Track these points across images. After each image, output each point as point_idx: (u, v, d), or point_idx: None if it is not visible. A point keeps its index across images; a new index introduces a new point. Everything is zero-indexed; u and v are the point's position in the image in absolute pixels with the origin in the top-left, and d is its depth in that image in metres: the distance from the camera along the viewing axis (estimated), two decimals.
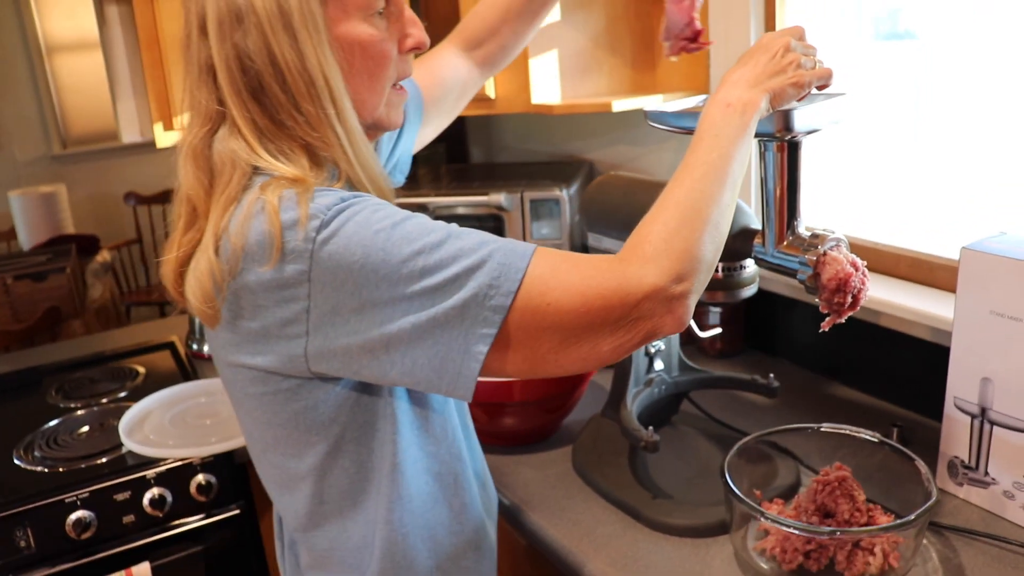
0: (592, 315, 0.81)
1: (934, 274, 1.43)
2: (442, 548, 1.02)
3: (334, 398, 0.91)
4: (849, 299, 1.00)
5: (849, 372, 1.60)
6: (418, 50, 0.98)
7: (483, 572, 1.07)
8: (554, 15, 1.75)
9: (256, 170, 0.88)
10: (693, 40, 1.12)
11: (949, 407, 1.21)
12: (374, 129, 0.99)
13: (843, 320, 1.03)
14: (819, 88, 0.95)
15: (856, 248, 1.54)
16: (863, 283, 1.00)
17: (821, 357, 1.66)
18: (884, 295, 1.43)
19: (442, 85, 1.27)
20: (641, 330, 0.82)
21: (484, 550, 1.07)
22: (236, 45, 0.86)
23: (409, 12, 0.97)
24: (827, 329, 1.04)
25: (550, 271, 0.82)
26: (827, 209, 1.70)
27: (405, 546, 0.98)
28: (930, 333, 1.38)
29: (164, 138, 1.82)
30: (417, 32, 0.97)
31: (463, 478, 1.03)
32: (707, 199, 0.84)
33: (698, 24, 1.11)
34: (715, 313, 1.28)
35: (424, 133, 1.28)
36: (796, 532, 1.04)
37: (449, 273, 0.81)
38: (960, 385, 1.19)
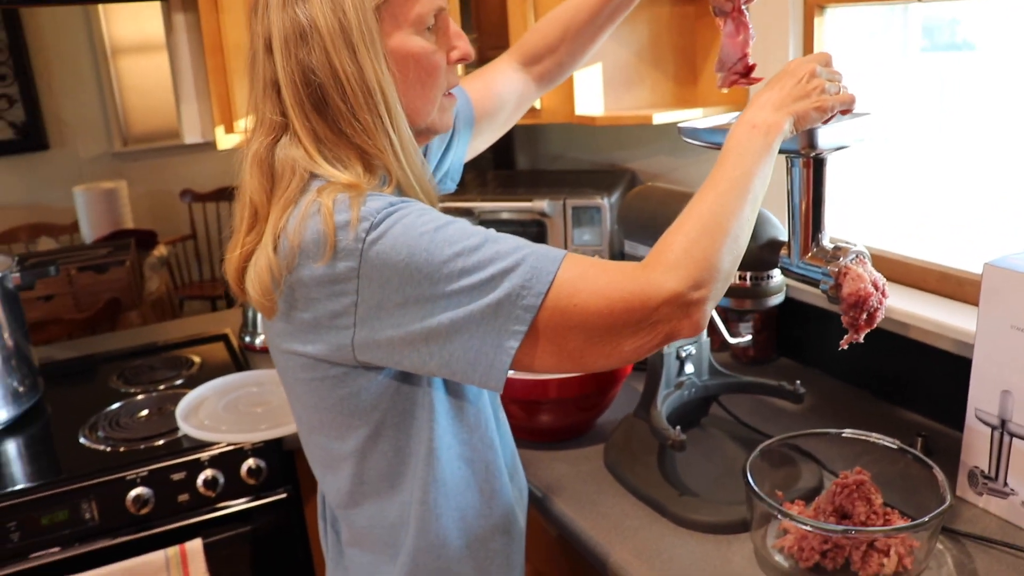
0: (615, 317, 0.87)
1: (962, 288, 1.47)
2: (472, 530, 1.09)
3: (376, 386, 0.99)
4: (865, 316, 1.05)
5: (878, 382, 1.64)
6: (463, 61, 1.05)
7: (511, 555, 1.14)
8: None
9: (313, 176, 0.96)
10: (745, 75, 1.16)
11: (970, 418, 1.25)
12: (426, 133, 1.06)
13: (860, 338, 1.08)
14: (843, 113, 1.01)
15: (886, 261, 1.58)
16: (880, 303, 1.05)
17: (851, 367, 1.69)
18: (912, 308, 1.47)
19: (497, 98, 1.34)
20: (660, 332, 0.88)
21: (513, 535, 1.14)
22: (300, 61, 0.94)
23: (455, 27, 1.04)
24: (846, 347, 1.09)
25: (578, 275, 0.89)
26: (864, 220, 1.74)
27: (438, 526, 1.05)
28: (955, 346, 1.42)
29: (225, 140, 1.92)
30: (463, 45, 1.04)
31: (494, 466, 1.10)
32: (728, 213, 0.90)
33: (751, 60, 1.15)
34: (747, 326, 1.33)
35: (477, 143, 1.35)
36: (810, 529, 1.09)
37: (485, 274, 0.88)
38: (981, 397, 1.23)
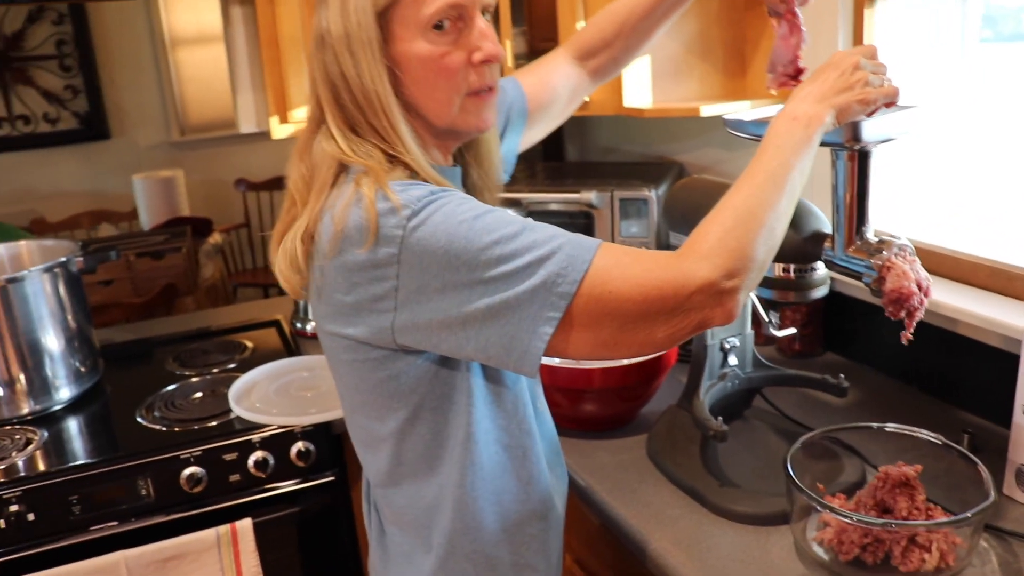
0: (649, 304, 0.89)
1: (1012, 284, 1.45)
2: (509, 514, 1.11)
3: (416, 370, 1.01)
4: (904, 314, 1.05)
5: (926, 378, 1.62)
6: (489, 62, 1.02)
7: (548, 541, 1.16)
8: None
9: (343, 167, 1.00)
10: (795, 77, 1.17)
11: (1018, 415, 1.24)
12: (452, 135, 1.07)
13: (909, 334, 1.08)
14: (887, 106, 1.00)
15: (935, 256, 1.56)
16: (921, 303, 1.05)
17: (898, 363, 1.68)
18: (961, 303, 1.45)
19: (552, 90, 1.35)
20: (693, 320, 0.90)
21: (550, 521, 1.16)
22: (323, 62, 1.00)
23: (482, 26, 1.01)
24: (907, 342, 1.09)
25: (613, 263, 0.90)
26: (915, 213, 1.72)
27: (475, 509, 1.08)
28: (1004, 342, 1.40)
29: (279, 130, 1.96)
30: (488, 46, 1.01)
31: (532, 452, 1.12)
32: (764, 204, 0.91)
33: (801, 63, 1.16)
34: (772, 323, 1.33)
35: (531, 134, 1.36)
36: (850, 521, 1.09)
37: (522, 261, 0.90)
38: None
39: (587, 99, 1.88)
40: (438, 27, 0.98)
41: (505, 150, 1.31)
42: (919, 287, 1.06)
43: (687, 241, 0.92)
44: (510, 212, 0.96)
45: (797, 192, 0.95)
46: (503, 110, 1.28)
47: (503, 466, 1.09)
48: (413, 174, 1.00)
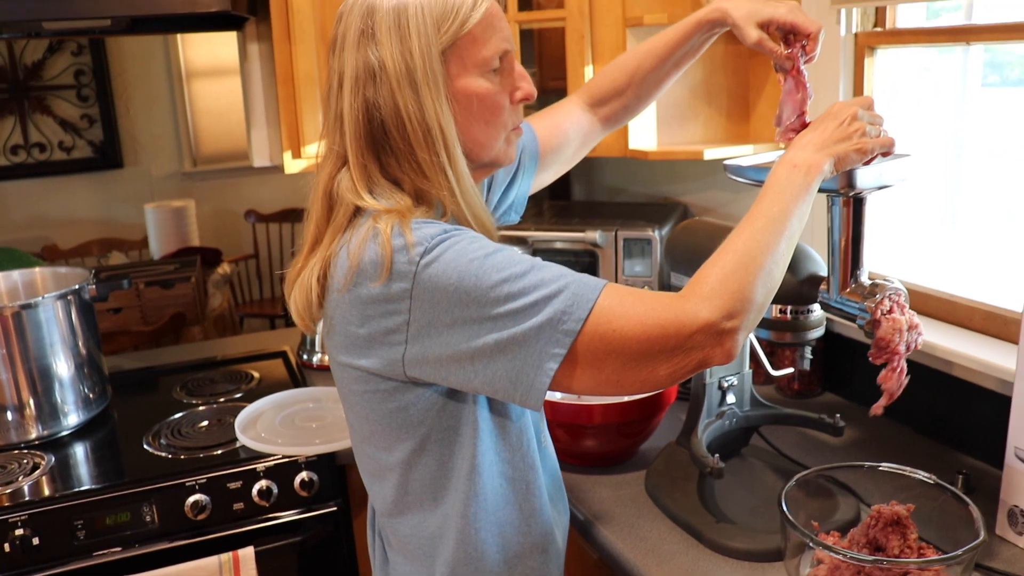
0: (651, 343, 0.92)
1: (1007, 328, 1.47)
2: (511, 546, 1.13)
3: (424, 402, 1.04)
4: (881, 362, 1.09)
5: (922, 419, 1.64)
6: (526, 101, 1.10)
7: (548, 574, 1.18)
8: None
9: (358, 209, 1.03)
10: (800, 131, 1.19)
11: (1010, 457, 1.26)
12: (490, 167, 1.13)
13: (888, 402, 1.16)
14: (883, 155, 1.04)
15: (932, 299, 1.59)
16: (904, 362, 1.13)
17: (895, 403, 1.68)
18: (957, 346, 1.48)
19: (563, 135, 1.40)
20: (694, 359, 0.93)
21: (551, 554, 1.18)
22: (367, 98, 1.01)
23: (519, 68, 1.10)
24: (879, 413, 1.18)
25: (617, 302, 0.93)
26: (913, 255, 1.75)
27: (477, 540, 1.10)
28: (998, 384, 1.43)
29: (292, 165, 2.00)
30: (526, 86, 1.10)
31: (534, 486, 1.14)
32: (763, 248, 0.94)
33: (807, 118, 1.19)
34: (807, 359, 1.35)
35: (542, 177, 1.41)
36: (842, 558, 1.11)
37: (530, 299, 0.93)
38: (1021, 436, 1.24)
39: None
40: (494, 68, 1.04)
41: (517, 192, 1.35)
42: (909, 348, 1.12)
43: (689, 283, 0.95)
44: (518, 251, 0.99)
45: (796, 237, 0.98)
46: (516, 153, 1.33)
47: (506, 498, 1.11)
48: (434, 212, 1.04)
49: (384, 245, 0.96)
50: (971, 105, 1.69)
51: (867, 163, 1.04)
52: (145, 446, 1.80)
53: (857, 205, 1.11)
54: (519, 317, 0.93)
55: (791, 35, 1.19)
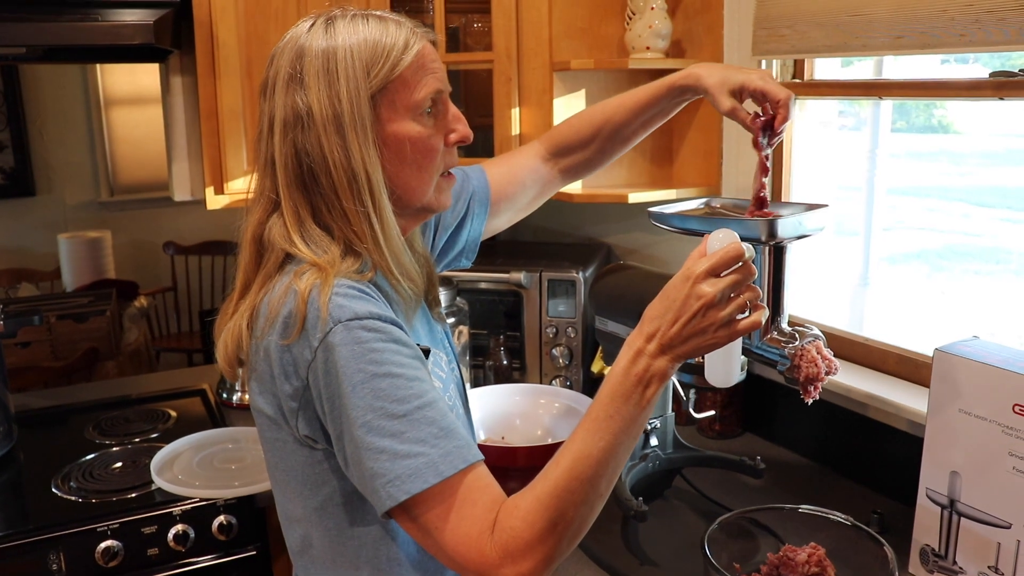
0: (450, 563, 0.92)
1: (919, 371, 1.53)
2: None
3: (331, 462, 1.01)
4: (818, 395, 1.12)
5: (839, 459, 1.69)
6: (462, 143, 1.10)
7: None
8: (578, 107, 1.89)
9: (288, 256, 1.01)
10: (759, 208, 1.22)
11: (921, 497, 1.30)
12: (424, 212, 1.11)
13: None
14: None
15: (848, 342, 1.64)
16: (828, 373, 1.13)
17: (813, 444, 1.74)
18: (871, 388, 1.53)
19: (519, 184, 1.38)
20: None
21: None
22: (296, 143, 1.00)
23: (454, 110, 1.09)
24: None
25: (449, 505, 0.90)
26: (828, 301, 1.80)
27: None
28: (910, 426, 1.48)
29: (215, 200, 1.97)
30: (461, 127, 1.09)
31: None
32: (584, 492, 0.91)
33: (764, 194, 1.21)
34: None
35: (495, 223, 1.39)
36: None
37: (380, 444, 0.90)
38: (931, 477, 1.28)
39: None
40: (427, 110, 1.03)
41: (468, 237, 1.34)
42: (828, 370, 1.13)
43: (507, 514, 0.91)
44: (422, 383, 0.94)
45: (623, 459, 0.95)
46: (465, 197, 1.32)
47: (423, 565, 1.07)
48: (362, 263, 1.02)
49: (299, 306, 0.95)
50: (882, 150, 1.76)
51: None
52: (53, 489, 1.72)
53: (778, 254, 1.14)
54: (369, 451, 0.91)
55: (764, 102, 1.20)
